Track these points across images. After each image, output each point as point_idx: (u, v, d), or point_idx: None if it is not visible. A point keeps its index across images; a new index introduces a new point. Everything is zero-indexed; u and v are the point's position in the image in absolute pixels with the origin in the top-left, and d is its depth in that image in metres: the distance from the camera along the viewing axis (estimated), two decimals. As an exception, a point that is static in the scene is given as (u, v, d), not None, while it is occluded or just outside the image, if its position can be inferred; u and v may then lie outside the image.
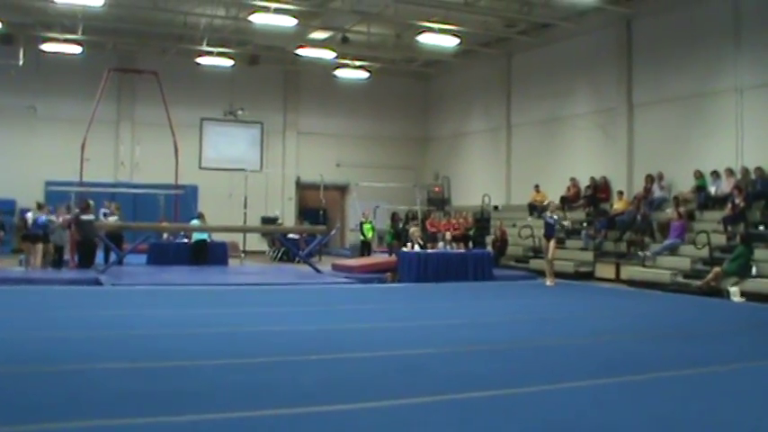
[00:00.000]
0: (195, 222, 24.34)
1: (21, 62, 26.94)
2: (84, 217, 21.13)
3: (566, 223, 22.52)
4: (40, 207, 21.84)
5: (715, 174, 21.16)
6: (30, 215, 21.55)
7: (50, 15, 26.18)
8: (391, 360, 9.26)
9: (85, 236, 21.15)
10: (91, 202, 22.25)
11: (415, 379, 8.17)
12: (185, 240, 24.75)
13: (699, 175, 21.59)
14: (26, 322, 11.91)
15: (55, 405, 6.66)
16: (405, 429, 6.17)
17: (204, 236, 24.22)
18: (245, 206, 27.17)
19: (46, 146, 29.32)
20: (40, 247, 20.78)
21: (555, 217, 21.01)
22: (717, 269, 18.09)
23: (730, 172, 20.74)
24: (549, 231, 20.67)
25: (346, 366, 8.78)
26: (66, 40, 27.04)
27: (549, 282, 20.35)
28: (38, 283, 17.68)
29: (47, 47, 27.21)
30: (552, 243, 20.68)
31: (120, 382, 7.70)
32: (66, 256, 21.48)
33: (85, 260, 21.17)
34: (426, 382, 8.04)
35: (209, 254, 24.14)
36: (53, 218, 21.03)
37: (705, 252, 19.50)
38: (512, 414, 6.71)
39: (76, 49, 27.44)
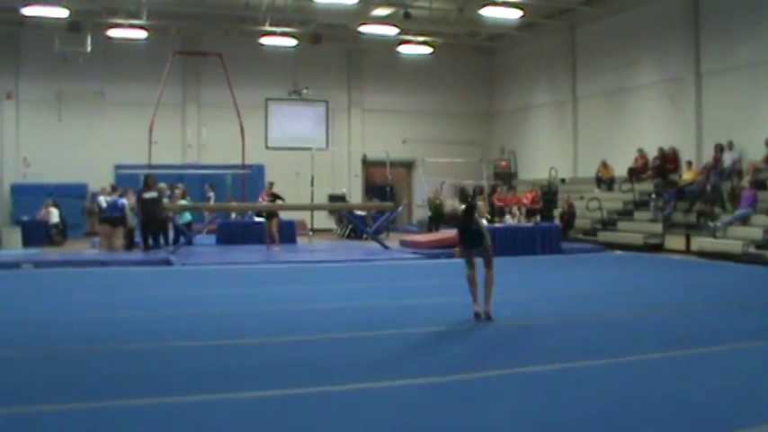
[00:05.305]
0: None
1: (88, 49, 27.34)
2: (147, 195, 20.54)
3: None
4: (114, 189, 22.09)
5: (788, 141, 20.70)
6: (102, 198, 21.81)
7: (115, 2, 26.57)
8: (458, 334, 9.28)
9: (150, 215, 20.61)
10: (163, 185, 22.20)
11: (483, 352, 8.17)
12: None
13: (771, 143, 21.14)
14: (102, 303, 12.16)
15: (131, 382, 6.83)
16: (474, 402, 6.18)
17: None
18: (312, 184, 27.27)
19: (114, 130, 29.71)
20: (120, 230, 20.94)
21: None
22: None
23: (803, 139, 20.27)
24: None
25: (413, 341, 8.81)
26: (131, 26, 27.32)
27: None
28: (110, 265, 17.96)
29: (113, 33, 27.51)
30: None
31: (192, 359, 7.86)
32: (138, 238, 21.51)
33: (153, 240, 20.98)
34: (495, 355, 8.04)
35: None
36: (125, 200, 21.27)
37: (778, 222, 19.15)
38: (582, 387, 6.69)
39: (142, 34, 27.77)
